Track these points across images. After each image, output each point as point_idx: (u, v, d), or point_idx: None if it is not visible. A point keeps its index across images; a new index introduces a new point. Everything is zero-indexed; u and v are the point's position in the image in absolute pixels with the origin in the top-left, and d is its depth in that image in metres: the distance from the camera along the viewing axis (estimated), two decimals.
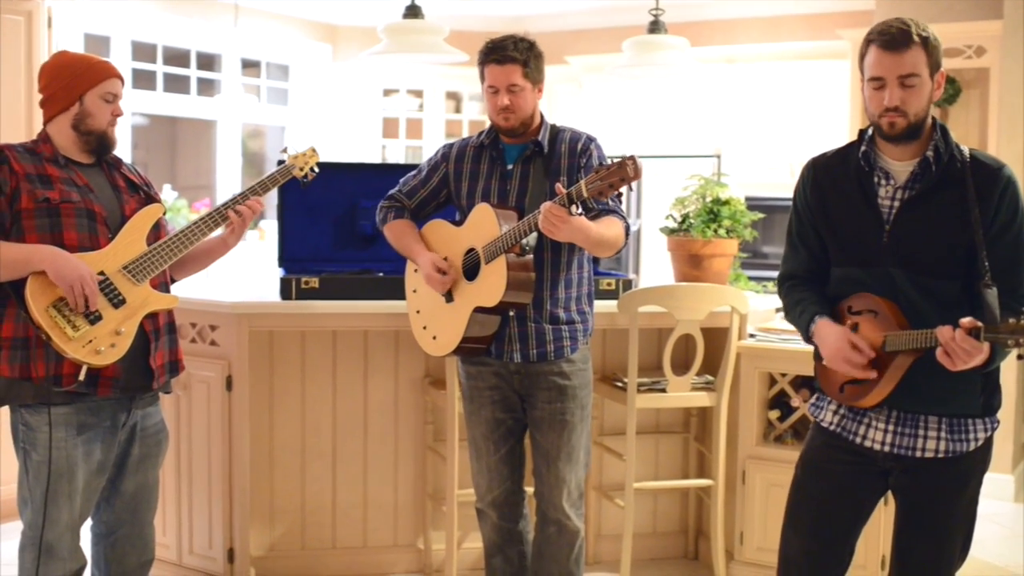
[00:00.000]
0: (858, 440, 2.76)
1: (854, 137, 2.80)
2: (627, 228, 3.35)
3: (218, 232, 3.28)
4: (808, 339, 2.81)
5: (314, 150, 3.54)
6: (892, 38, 2.56)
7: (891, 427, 2.71)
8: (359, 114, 8.36)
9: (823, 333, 2.72)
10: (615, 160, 3.01)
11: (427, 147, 8.43)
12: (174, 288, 3.38)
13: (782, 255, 2.96)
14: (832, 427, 2.81)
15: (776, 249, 6.97)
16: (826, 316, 2.74)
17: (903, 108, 2.57)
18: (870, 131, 2.72)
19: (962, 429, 2.68)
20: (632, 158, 2.97)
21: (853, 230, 2.73)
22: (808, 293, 2.83)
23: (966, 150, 2.66)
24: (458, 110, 8.65)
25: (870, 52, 2.61)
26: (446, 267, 3.38)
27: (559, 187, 3.06)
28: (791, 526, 2.90)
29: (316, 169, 3.51)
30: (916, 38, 2.55)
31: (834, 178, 2.78)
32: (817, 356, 2.81)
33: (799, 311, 2.83)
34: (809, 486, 2.87)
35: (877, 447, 2.73)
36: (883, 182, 2.69)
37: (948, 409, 2.67)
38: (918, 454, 2.69)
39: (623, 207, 3.42)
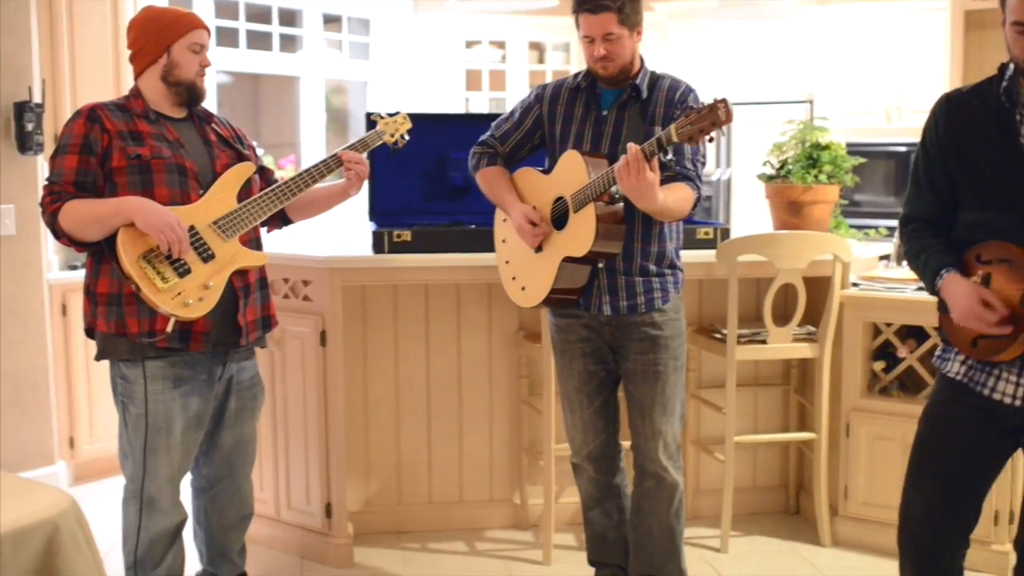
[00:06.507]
0: (986, 392, 2.60)
1: (952, 81, 2.63)
2: (698, 198, 3.24)
3: (283, 205, 3.25)
4: (934, 292, 2.66)
5: (405, 117, 3.51)
6: None
7: None
8: (441, 67, 8.28)
9: (951, 289, 2.56)
10: (705, 104, 2.90)
11: (510, 99, 8.32)
12: (266, 242, 3.38)
13: (905, 196, 2.80)
14: (959, 377, 2.65)
15: (871, 197, 6.76)
16: (954, 269, 2.59)
17: None
18: (1011, 67, 2.54)
19: None
20: (724, 101, 2.85)
21: (990, 171, 2.55)
22: (933, 240, 2.67)
23: None
24: (541, 60, 8.53)
25: None
26: (538, 219, 3.29)
27: (632, 145, 2.94)
28: (913, 484, 2.76)
29: (407, 137, 3.49)
30: None
31: (970, 115, 2.60)
32: (943, 308, 2.66)
33: (923, 260, 2.67)
34: (932, 442, 2.72)
35: (1008, 400, 2.57)
36: None
37: None
38: None
39: (704, 170, 3.31)
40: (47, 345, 4.66)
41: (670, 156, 3.01)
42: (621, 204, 3.15)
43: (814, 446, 4.14)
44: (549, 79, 8.36)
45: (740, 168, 7.28)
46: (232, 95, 8.63)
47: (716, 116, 2.84)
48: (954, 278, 2.57)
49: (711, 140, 2.91)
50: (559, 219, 3.27)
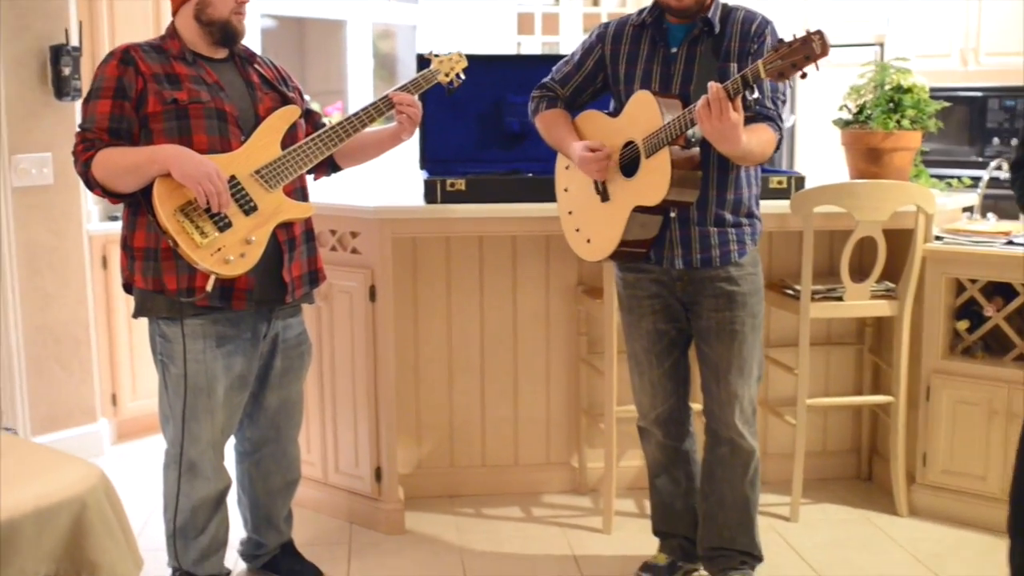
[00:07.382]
0: None
1: None
2: (780, 140, 3.00)
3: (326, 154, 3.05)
4: None
5: (461, 55, 3.30)
6: None
7: None
8: (492, 10, 8.06)
9: None
10: (797, 36, 2.64)
11: (564, 43, 8.09)
12: (312, 192, 3.19)
13: (1019, 138, 2.55)
14: None
15: (945, 146, 6.43)
16: None
17: None
18: None
19: None
20: (819, 32, 2.60)
21: None
22: None
23: None
24: (596, 3, 8.27)
25: None
26: (599, 144, 3.06)
27: (714, 84, 2.70)
28: None
29: (463, 76, 3.28)
30: None
31: None
32: None
33: None
34: None
35: None
36: None
37: None
38: None
39: (785, 111, 3.05)
40: (88, 299, 4.53)
41: (756, 94, 2.77)
42: (697, 148, 2.91)
43: (891, 410, 3.90)
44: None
45: (804, 115, 6.98)
46: (276, 40, 8.43)
47: (810, 49, 2.59)
48: None
49: (803, 77, 2.65)
50: (629, 165, 3.04)
